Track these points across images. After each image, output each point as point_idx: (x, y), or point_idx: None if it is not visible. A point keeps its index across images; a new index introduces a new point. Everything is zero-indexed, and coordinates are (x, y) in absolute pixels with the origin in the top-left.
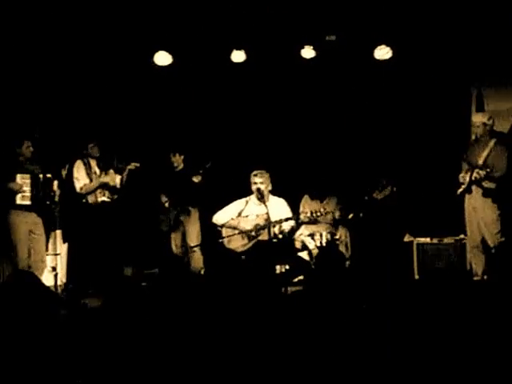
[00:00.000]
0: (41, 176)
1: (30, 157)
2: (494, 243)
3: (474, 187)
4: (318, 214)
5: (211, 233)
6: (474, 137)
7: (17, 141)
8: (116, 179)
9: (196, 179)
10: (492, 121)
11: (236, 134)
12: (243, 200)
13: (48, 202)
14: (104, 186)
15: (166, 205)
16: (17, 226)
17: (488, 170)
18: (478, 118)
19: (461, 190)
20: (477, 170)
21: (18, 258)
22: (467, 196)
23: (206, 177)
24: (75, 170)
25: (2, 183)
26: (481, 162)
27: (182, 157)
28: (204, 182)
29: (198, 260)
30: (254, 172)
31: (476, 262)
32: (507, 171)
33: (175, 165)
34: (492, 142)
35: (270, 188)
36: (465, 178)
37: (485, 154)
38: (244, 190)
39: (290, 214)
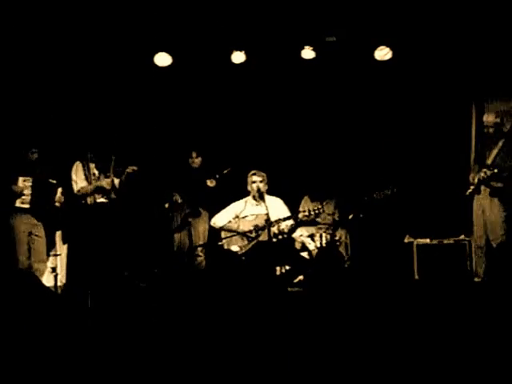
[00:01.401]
0: (44, 181)
1: (34, 162)
2: (497, 244)
3: (482, 187)
4: (317, 211)
5: (216, 235)
6: (488, 136)
7: (24, 145)
8: (115, 181)
9: (210, 183)
10: (500, 120)
11: (236, 134)
12: (242, 201)
13: (47, 208)
14: (100, 190)
15: (180, 202)
16: (16, 228)
17: (496, 170)
18: (490, 118)
19: (470, 190)
20: (484, 170)
21: (18, 259)
22: (476, 197)
23: (221, 182)
24: (73, 172)
25: (5, 185)
26: (489, 161)
27: (200, 158)
28: (218, 186)
29: (201, 262)
30: (252, 171)
31: (478, 263)
32: None
33: (193, 165)
34: (501, 142)
35: (266, 187)
36: (474, 178)
37: (494, 153)
38: (244, 191)
39: (288, 213)
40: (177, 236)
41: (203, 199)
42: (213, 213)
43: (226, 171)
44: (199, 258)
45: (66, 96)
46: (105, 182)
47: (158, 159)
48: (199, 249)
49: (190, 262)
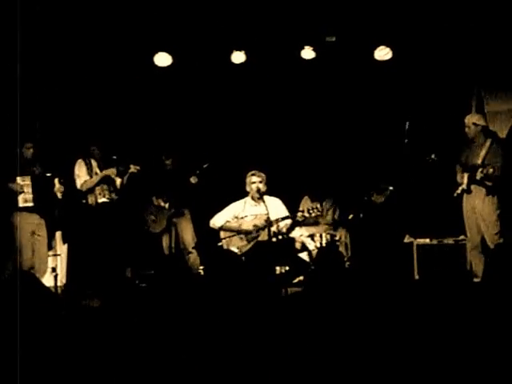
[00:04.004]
0: (41, 176)
1: (30, 158)
2: (493, 244)
3: (473, 187)
4: (315, 210)
5: (206, 234)
6: (469, 137)
7: (18, 142)
8: (117, 181)
9: (193, 180)
10: (484, 121)
11: (236, 134)
12: (241, 201)
13: (50, 202)
14: (105, 181)
15: (166, 206)
16: (20, 228)
17: (491, 169)
18: (468, 119)
19: (458, 191)
20: (481, 169)
21: (22, 259)
22: (465, 197)
23: (203, 178)
24: (76, 167)
25: (3, 185)
26: (480, 161)
27: (171, 159)
28: (200, 182)
29: (194, 261)
30: (252, 172)
31: (476, 263)
32: (504, 171)
33: (167, 167)
34: (488, 142)
35: (266, 188)
36: (462, 178)
37: (483, 153)
38: (242, 191)
39: (287, 213)
40: (164, 238)
41: (184, 198)
42: (195, 210)
43: (205, 166)
44: (192, 256)
45: (66, 95)
46: (110, 171)
47: (158, 159)
48: (190, 247)
49: (182, 261)
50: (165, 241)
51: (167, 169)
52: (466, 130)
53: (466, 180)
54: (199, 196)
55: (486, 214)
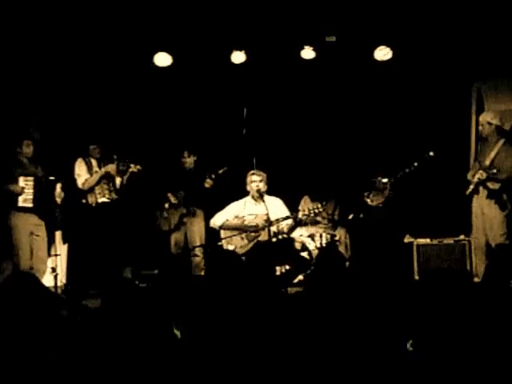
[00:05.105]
0: (44, 179)
1: (31, 156)
2: (496, 244)
3: (480, 188)
4: (316, 210)
5: (214, 235)
6: (482, 136)
7: (17, 140)
8: (116, 181)
9: (208, 184)
10: (499, 120)
11: (236, 135)
12: (241, 201)
13: (50, 205)
14: (106, 178)
15: (175, 202)
16: (18, 228)
17: (494, 171)
18: (482, 117)
19: (469, 190)
20: (480, 172)
21: (20, 259)
22: (475, 197)
23: (218, 182)
24: (76, 167)
25: (4, 185)
26: (488, 162)
27: (195, 158)
28: (215, 186)
29: (199, 262)
30: (252, 171)
31: (478, 263)
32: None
33: (186, 165)
34: (500, 143)
35: (266, 187)
36: (473, 177)
37: (493, 154)
38: (243, 191)
39: (287, 213)
40: (173, 236)
41: (198, 198)
42: (208, 212)
43: (221, 171)
44: (197, 258)
45: (66, 96)
46: (110, 167)
47: (158, 159)
48: (197, 249)
49: (187, 261)
50: (173, 239)
51: (186, 166)
52: (480, 128)
53: (475, 179)
54: (212, 199)
55: (493, 216)
